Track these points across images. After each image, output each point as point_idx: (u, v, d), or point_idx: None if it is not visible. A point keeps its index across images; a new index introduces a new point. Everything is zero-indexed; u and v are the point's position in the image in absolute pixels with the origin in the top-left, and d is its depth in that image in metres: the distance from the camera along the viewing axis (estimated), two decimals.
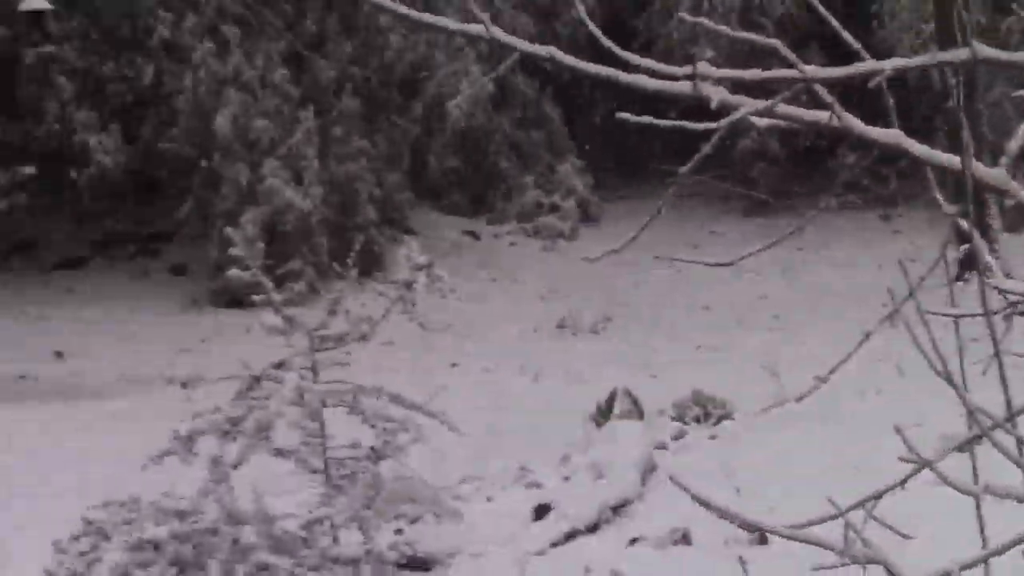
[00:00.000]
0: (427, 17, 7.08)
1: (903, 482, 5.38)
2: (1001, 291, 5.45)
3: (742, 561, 5.94)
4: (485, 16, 5.90)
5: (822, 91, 5.19)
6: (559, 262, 19.05)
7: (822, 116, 5.26)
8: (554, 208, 20.88)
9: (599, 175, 22.71)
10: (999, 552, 5.31)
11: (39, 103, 19.08)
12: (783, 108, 5.29)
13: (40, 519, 12.67)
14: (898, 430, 5.33)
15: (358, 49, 20.38)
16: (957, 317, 5.43)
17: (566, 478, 12.96)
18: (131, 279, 20.57)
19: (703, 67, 5.09)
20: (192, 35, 18.96)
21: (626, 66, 5.16)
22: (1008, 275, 5.95)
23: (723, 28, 7.09)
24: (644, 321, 16.73)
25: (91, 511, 12.03)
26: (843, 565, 5.32)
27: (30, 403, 16.01)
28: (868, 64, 5.40)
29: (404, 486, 12.39)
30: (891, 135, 5.29)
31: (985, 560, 5.33)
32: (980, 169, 5.18)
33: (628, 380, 14.57)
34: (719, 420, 13.89)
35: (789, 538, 5.72)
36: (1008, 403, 5.17)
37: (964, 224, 5.63)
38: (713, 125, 5.23)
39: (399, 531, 12.22)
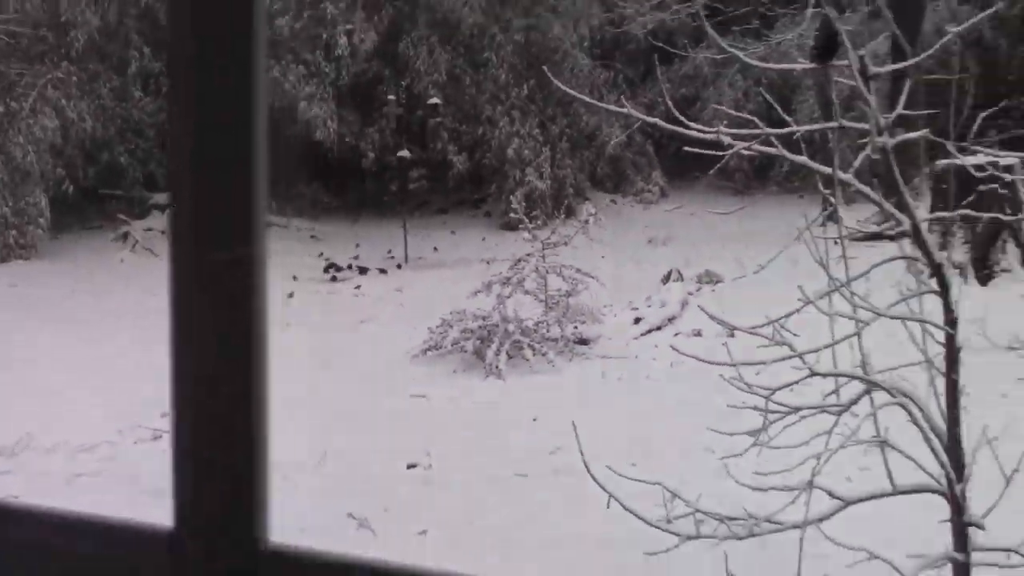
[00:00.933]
0: (601, 104, 6.97)
1: (793, 313, 5.21)
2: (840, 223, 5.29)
3: (725, 344, 5.68)
4: (629, 105, 5.74)
5: (774, 139, 5.04)
6: (649, 213, 18.48)
7: (771, 149, 5.12)
8: (648, 191, 20.12)
9: (669, 177, 21.19)
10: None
11: (433, 142, 18.38)
12: (756, 146, 5.16)
13: (422, 322, 12.44)
14: (800, 287, 5.16)
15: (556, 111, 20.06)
16: (825, 238, 5.27)
17: (648, 306, 12.89)
18: (465, 217, 19.79)
19: (723, 129, 4.96)
20: (499, 115, 18.41)
21: (687, 127, 5.07)
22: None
23: (729, 110, 6.96)
24: (685, 240, 16.30)
25: (444, 316, 11.98)
26: (774, 345, 5.16)
27: (415, 272, 15.93)
28: (791, 129, 5.25)
29: (578, 307, 12.32)
30: (800, 159, 5.10)
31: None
32: (841, 174, 5.02)
33: (677, 264, 14.37)
34: (716, 282, 13.75)
35: (747, 332, 5.53)
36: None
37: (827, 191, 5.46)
38: (723, 152, 5.14)
39: (575, 328, 12.10)
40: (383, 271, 15.85)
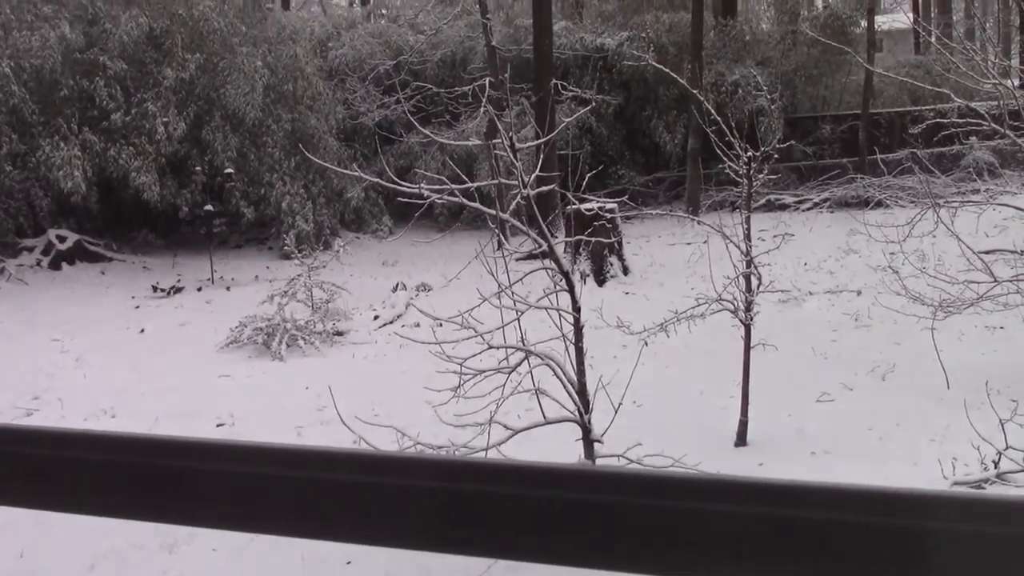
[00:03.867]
0: (346, 171, 6.70)
1: (475, 307, 5.22)
2: (507, 248, 5.33)
3: (434, 331, 5.67)
4: (365, 172, 5.59)
5: (457, 192, 5.03)
6: (381, 245, 17.77)
7: (455, 199, 5.09)
8: (381, 230, 19.15)
9: (395, 219, 19.01)
10: None
11: (230, 199, 17.56)
12: (446, 197, 5.12)
13: (225, 324, 11.92)
14: (478, 290, 5.15)
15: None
16: (504, 255, 5.31)
17: (383, 308, 12.66)
18: (254, 251, 18.42)
19: (423, 186, 4.92)
20: (275, 180, 18.56)
21: (400, 186, 4.99)
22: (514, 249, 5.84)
23: (429, 174, 6.89)
24: (407, 262, 15.87)
25: (240, 319, 11.47)
26: (465, 329, 5.10)
27: (219, 290, 15.38)
28: (467, 185, 5.22)
29: (335, 310, 12.06)
30: (473, 205, 5.09)
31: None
32: (504, 215, 5.04)
33: (401, 278, 14.14)
34: (428, 290, 13.60)
35: (447, 321, 5.52)
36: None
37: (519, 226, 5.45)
38: (424, 201, 5.08)
39: (333, 324, 11.78)
40: (197, 290, 15.17)
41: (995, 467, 5.74)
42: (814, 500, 0.57)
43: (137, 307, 13.95)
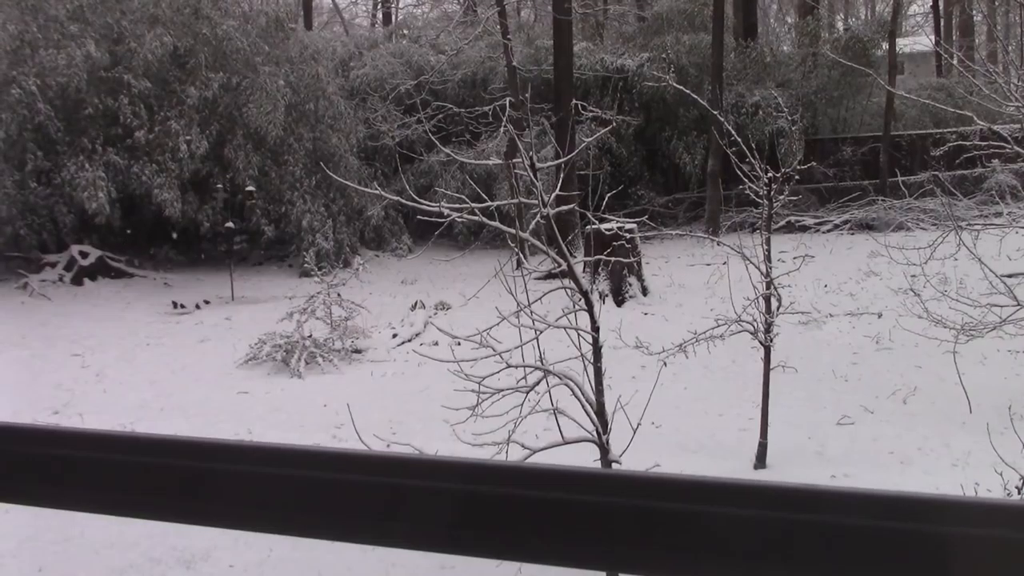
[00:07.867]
0: (366, 190, 6.72)
1: (494, 326, 5.20)
2: (527, 267, 5.33)
3: (452, 349, 5.65)
4: (385, 191, 5.61)
5: (477, 211, 5.02)
6: (401, 263, 17.79)
7: (474, 217, 5.08)
8: (400, 248, 19.21)
9: (414, 238, 18.60)
10: None
11: (250, 216, 17.85)
12: (466, 215, 5.14)
13: (244, 341, 11.95)
14: (497, 309, 5.13)
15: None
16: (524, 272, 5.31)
17: (402, 326, 12.65)
18: (274, 268, 18.78)
19: (443, 205, 4.92)
20: (296, 198, 18.27)
21: (420, 205, 5.00)
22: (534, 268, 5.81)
23: (449, 194, 6.91)
24: (426, 280, 15.84)
25: (260, 336, 11.51)
26: (483, 347, 5.08)
27: (239, 307, 15.42)
28: (487, 204, 5.24)
29: (354, 328, 12.05)
30: (493, 223, 5.09)
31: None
32: (524, 233, 5.04)
33: (420, 296, 14.14)
34: (447, 308, 13.55)
35: (465, 339, 5.52)
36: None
37: (533, 242, 5.44)
38: (444, 220, 5.09)
39: (352, 341, 11.77)
40: (216, 306, 15.24)
41: (1018, 493, 5.67)
42: (827, 505, 0.57)
43: (154, 323, 14.04)
